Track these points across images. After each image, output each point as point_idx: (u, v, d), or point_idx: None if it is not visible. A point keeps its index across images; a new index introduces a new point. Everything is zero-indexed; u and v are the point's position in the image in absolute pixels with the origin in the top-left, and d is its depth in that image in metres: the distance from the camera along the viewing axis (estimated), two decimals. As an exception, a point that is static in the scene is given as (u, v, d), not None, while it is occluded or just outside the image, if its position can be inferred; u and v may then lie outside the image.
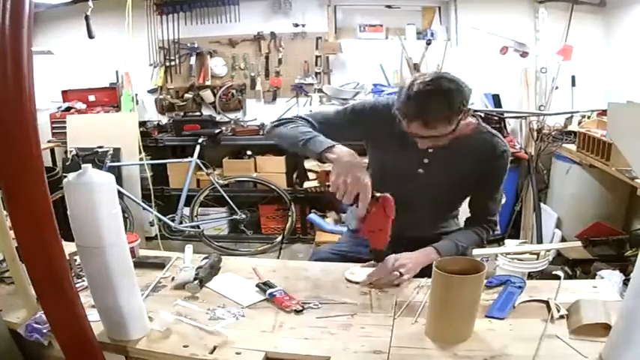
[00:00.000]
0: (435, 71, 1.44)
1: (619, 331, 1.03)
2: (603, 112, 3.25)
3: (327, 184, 1.45)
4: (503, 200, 3.42)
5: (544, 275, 2.76)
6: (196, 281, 1.43)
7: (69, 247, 1.24)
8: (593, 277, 2.46)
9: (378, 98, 1.75)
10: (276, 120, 1.64)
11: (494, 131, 1.66)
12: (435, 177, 1.63)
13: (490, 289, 1.39)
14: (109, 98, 4.25)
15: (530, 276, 2.71)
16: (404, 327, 1.23)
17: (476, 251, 2.63)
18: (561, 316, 1.22)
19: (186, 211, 3.82)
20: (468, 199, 1.75)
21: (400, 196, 1.48)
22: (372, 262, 1.54)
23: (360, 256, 1.69)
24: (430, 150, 1.59)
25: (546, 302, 1.29)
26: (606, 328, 1.11)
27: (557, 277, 1.43)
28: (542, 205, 3.58)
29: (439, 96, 1.38)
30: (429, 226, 1.74)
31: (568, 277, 2.82)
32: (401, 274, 1.45)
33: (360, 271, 1.53)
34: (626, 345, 1.00)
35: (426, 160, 1.63)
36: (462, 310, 1.16)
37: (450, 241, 1.62)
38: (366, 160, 1.51)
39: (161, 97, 4.31)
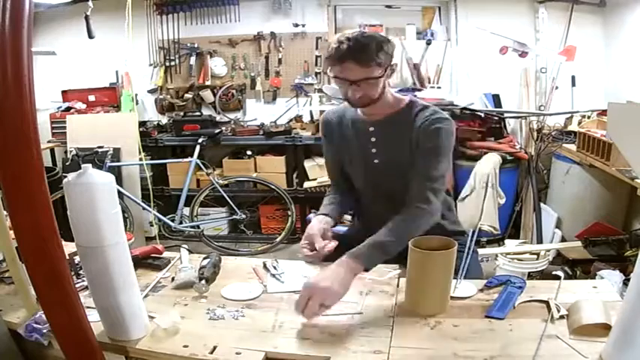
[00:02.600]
0: None
1: (619, 331, 1.02)
2: (603, 112, 3.25)
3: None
4: (503, 200, 3.47)
5: (544, 275, 2.77)
6: (203, 281, 1.43)
7: (69, 247, 1.24)
8: (593, 277, 2.46)
9: (325, 112, 1.86)
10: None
11: (428, 104, 1.64)
12: (388, 161, 1.65)
13: (490, 289, 1.39)
14: (109, 98, 4.25)
15: (530, 276, 2.72)
16: (404, 327, 1.23)
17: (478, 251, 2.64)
18: (561, 316, 1.22)
19: (186, 211, 3.82)
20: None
21: (377, 194, 1.61)
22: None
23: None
24: (373, 139, 1.64)
25: (546, 302, 1.29)
26: (606, 328, 1.11)
27: (557, 277, 1.43)
28: (542, 205, 3.58)
29: (367, 36, 1.48)
30: None
31: (568, 277, 2.82)
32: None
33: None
34: (626, 345, 1.00)
35: (374, 150, 1.65)
36: (436, 284, 1.28)
37: (369, 244, 1.39)
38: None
39: (161, 97, 4.31)
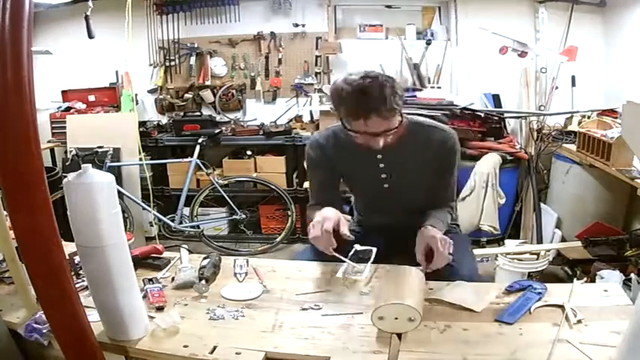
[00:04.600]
0: (349, 73, 1.48)
1: (630, 336, 1.00)
2: (603, 112, 3.26)
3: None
4: (503, 200, 3.47)
5: (544, 275, 2.77)
6: (203, 281, 1.43)
7: (69, 247, 1.24)
8: (593, 277, 2.46)
9: (311, 138, 1.76)
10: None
11: (432, 122, 1.67)
12: (400, 182, 1.65)
13: (510, 294, 1.37)
14: (109, 98, 4.25)
15: (530, 276, 2.72)
16: (413, 331, 1.21)
17: (476, 251, 2.65)
18: (579, 321, 1.21)
19: (186, 211, 3.82)
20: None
21: (385, 213, 1.63)
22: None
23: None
24: (382, 165, 1.62)
25: (559, 306, 1.28)
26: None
27: (559, 278, 1.43)
28: (542, 205, 3.57)
29: (381, 83, 1.38)
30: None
31: (568, 277, 2.82)
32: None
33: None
34: (636, 351, 0.98)
35: (384, 175, 1.65)
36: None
37: (437, 219, 1.60)
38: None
39: (161, 97, 4.31)
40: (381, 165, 1.63)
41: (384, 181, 1.67)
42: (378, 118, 1.39)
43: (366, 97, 1.37)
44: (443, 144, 1.60)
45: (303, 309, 1.34)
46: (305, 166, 1.76)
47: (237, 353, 1.13)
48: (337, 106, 1.47)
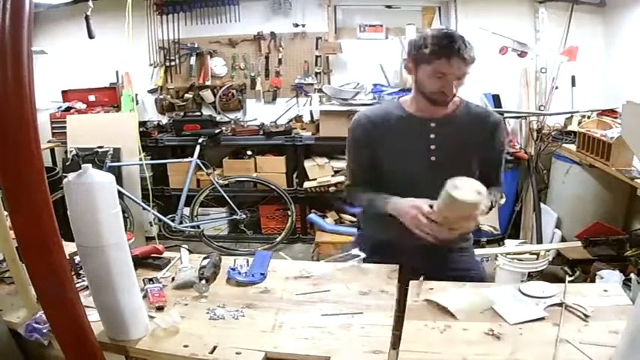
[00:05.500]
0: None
1: (629, 336, 1.01)
2: (603, 112, 3.26)
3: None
4: (503, 200, 3.46)
5: (544, 275, 2.77)
6: (203, 281, 1.43)
7: (69, 247, 1.24)
8: (593, 277, 2.46)
9: (358, 113, 1.77)
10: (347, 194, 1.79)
11: (480, 105, 1.76)
12: (447, 158, 1.64)
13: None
14: (109, 98, 4.25)
15: (530, 276, 2.72)
16: (413, 331, 1.22)
17: (476, 251, 2.64)
18: (585, 316, 1.21)
19: (186, 211, 3.82)
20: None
21: (422, 192, 1.54)
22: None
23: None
24: (432, 136, 1.64)
25: (560, 306, 1.28)
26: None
27: (561, 279, 1.43)
28: (542, 205, 3.58)
29: (462, 37, 1.53)
30: None
31: (568, 277, 2.82)
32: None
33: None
34: (635, 350, 0.98)
35: (433, 147, 1.64)
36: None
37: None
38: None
39: (161, 97, 4.31)
40: (432, 135, 1.65)
41: (432, 153, 1.65)
42: (459, 60, 1.50)
43: (451, 38, 1.50)
44: (493, 123, 1.68)
45: (303, 309, 1.34)
46: (347, 144, 1.76)
47: (237, 353, 1.13)
48: (419, 49, 1.56)
